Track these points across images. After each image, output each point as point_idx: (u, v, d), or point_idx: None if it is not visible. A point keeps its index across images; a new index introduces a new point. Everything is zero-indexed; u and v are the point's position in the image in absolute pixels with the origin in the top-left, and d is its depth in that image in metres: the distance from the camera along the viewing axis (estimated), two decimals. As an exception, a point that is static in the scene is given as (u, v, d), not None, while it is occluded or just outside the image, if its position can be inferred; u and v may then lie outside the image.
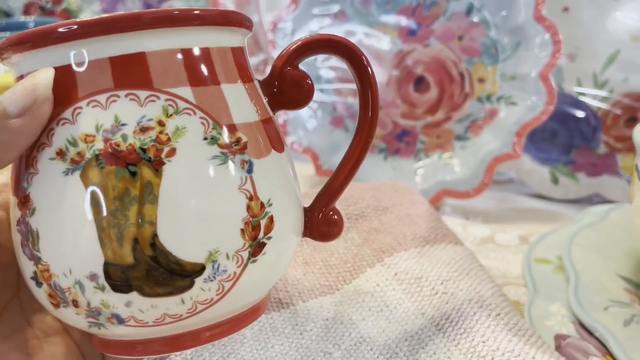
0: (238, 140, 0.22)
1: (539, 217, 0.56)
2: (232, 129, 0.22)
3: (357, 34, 0.60)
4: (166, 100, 0.21)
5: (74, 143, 0.20)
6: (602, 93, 0.57)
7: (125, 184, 0.20)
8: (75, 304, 0.21)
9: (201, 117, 0.21)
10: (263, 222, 0.22)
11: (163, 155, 0.20)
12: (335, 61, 0.61)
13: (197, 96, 0.21)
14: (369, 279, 0.36)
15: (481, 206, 0.58)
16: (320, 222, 0.27)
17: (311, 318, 0.33)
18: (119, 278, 0.20)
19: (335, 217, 0.27)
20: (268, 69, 0.27)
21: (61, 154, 0.20)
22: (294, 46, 0.25)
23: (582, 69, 0.58)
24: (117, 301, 0.21)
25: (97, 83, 0.20)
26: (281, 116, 0.63)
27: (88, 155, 0.20)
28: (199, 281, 0.21)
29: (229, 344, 0.31)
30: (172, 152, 0.21)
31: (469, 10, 0.56)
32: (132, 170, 0.20)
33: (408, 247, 0.37)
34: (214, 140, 0.21)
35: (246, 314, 0.24)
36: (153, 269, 0.21)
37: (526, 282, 0.40)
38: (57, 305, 0.22)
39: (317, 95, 0.62)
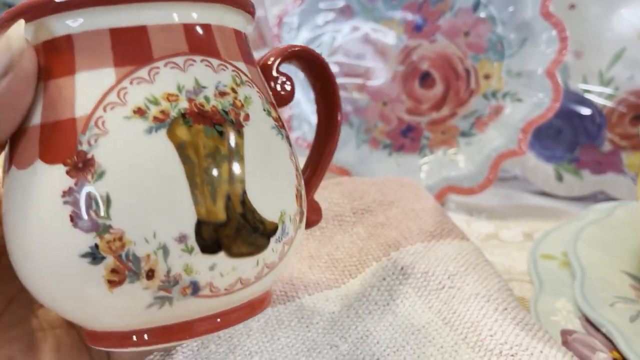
0: (280, 116, 0.24)
1: (543, 214, 0.56)
2: (273, 105, 0.24)
3: (363, 29, 0.60)
4: (232, 70, 0.22)
5: (155, 102, 0.20)
6: (608, 90, 0.57)
7: (215, 142, 0.20)
8: (150, 274, 0.19)
9: (257, 91, 0.23)
10: (302, 192, 0.24)
11: (241, 119, 0.21)
12: (341, 56, 0.61)
13: (249, 71, 0.23)
14: (375, 273, 0.36)
15: (485, 203, 0.58)
16: (308, 209, 0.28)
17: (317, 311, 0.33)
18: (209, 237, 0.20)
19: (317, 205, 0.29)
20: None
21: (140, 112, 0.20)
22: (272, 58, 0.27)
23: (588, 66, 0.58)
24: (202, 264, 0.20)
25: (174, 46, 0.21)
26: (286, 111, 0.63)
27: (173, 113, 0.20)
28: (272, 241, 0.22)
29: (235, 336, 0.31)
30: (247, 117, 0.22)
31: (476, 6, 0.56)
32: (219, 129, 0.21)
33: (414, 242, 0.37)
34: (269, 113, 0.23)
35: (257, 301, 0.24)
36: (242, 227, 0.21)
37: (532, 277, 0.40)
38: (118, 283, 0.20)
39: (322, 90, 0.62)
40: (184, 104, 0.20)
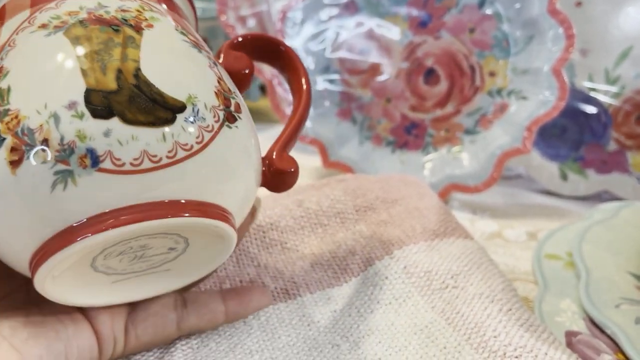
0: (204, 41, 0.27)
1: (547, 213, 0.56)
2: (195, 38, 0.27)
3: (367, 24, 0.59)
4: (142, 2, 0.25)
5: (57, 17, 0.23)
6: (614, 89, 0.57)
7: (108, 35, 0.23)
8: (46, 143, 0.20)
9: (170, 20, 0.26)
10: (233, 101, 0.25)
11: (143, 25, 0.24)
12: (344, 52, 0.61)
13: (166, 11, 0.27)
14: (378, 271, 0.35)
15: (489, 201, 0.58)
16: (276, 169, 0.28)
17: (319, 310, 0.33)
18: (100, 103, 0.21)
19: (292, 169, 0.28)
20: None
21: (43, 26, 0.23)
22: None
23: (594, 64, 0.57)
24: (95, 129, 0.20)
25: None
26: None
27: (72, 21, 0.23)
28: (180, 118, 0.22)
29: (235, 334, 0.31)
30: (150, 25, 0.24)
31: (482, 3, 0.55)
32: (115, 28, 0.23)
33: (417, 241, 0.37)
34: (184, 34, 0.26)
35: (218, 214, 0.24)
36: (136, 96, 0.21)
37: (536, 278, 0.39)
38: (18, 161, 0.20)
39: (325, 86, 0.62)
40: (83, 15, 0.23)
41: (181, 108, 0.22)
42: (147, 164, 0.21)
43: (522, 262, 0.44)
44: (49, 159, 0.20)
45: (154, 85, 0.22)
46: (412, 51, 0.58)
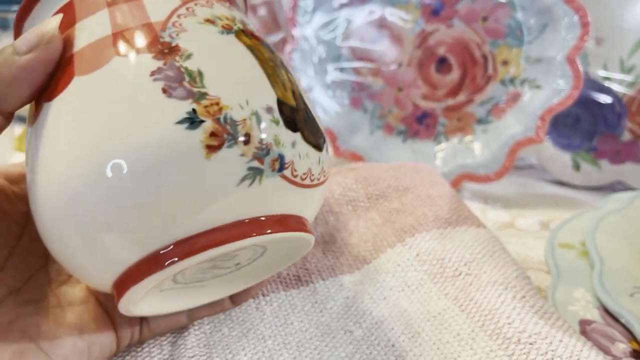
0: None
1: (560, 203, 0.55)
2: None
3: (378, 12, 0.59)
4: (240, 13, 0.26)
5: (219, 18, 0.23)
6: (629, 78, 0.56)
7: (270, 54, 0.24)
8: (247, 138, 0.20)
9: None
10: None
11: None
12: (355, 40, 0.60)
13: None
14: (390, 259, 0.35)
15: (501, 191, 0.57)
16: None
17: (331, 296, 0.33)
18: (289, 115, 0.22)
19: None
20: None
21: (210, 21, 0.23)
22: None
23: (609, 53, 0.57)
24: (287, 138, 0.22)
25: None
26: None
27: (235, 27, 0.23)
28: (323, 151, 0.24)
29: (248, 320, 0.31)
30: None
31: (495, -10, 0.55)
32: (270, 49, 0.24)
33: (430, 228, 0.37)
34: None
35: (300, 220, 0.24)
36: (308, 117, 0.24)
37: (549, 267, 0.39)
38: (217, 147, 0.20)
39: (336, 75, 0.61)
40: (240, 25, 0.24)
41: (324, 141, 0.25)
42: (307, 181, 0.23)
43: (534, 252, 0.43)
44: (248, 153, 0.20)
45: (312, 112, 0.24)
46: (424, 39, 0.58)
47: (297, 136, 0.22)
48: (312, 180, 0.23)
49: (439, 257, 0.34)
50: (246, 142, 0.20)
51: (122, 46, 0.21)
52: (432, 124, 0.59)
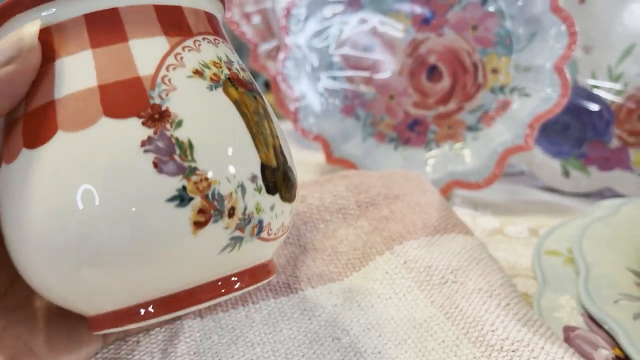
0: None
1: (549, 210, 0.56)
2: None
3: (370, 21, 0.60)
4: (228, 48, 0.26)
5: (207, 66, 0.22)
6: (617, 86, 0.57)
7: (255, 103, 0.24)
8: (232, 212, 0.21)
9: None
10: None
11: (258, 91, 0.25)
12: (348, 49, 0.61)
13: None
14: (378, 266, 0.36)
15: (491, 198, 0.58)
16: None
17: (320, 304, 0.34)
18: (270, 179, 0.23)
19: None
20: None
21: (198, 73, 0.22)
22: None
23: (597, 61, 0.58)
24: (267, 203, 0.23)
25: (203, 26, 0.24)
26: (293, 103, 0.63)
27: (222, 77, 0.23)
28: (295, 198, 0.25)
29: (237, 327, 0.31)
30: (259, 92, 0.25)
31: (485, 0, 0.55)
32: (253, 95, 0.24)
33: (418, 236, 0.37)
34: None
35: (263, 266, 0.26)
36: (286, 174, 0.24)
37: (536, 273, 0.40)
38: (204, 224, 0.20)
39: (329, 83, 0.62)
40: (226, 71, 0.23)
41: (295, 187, 0.26)
42: (279, 233, 0.24)
43: (523, 259, 0.44)
44: (231, 225, 0.21)
45: (287, 163, 0.25)
46: (415, 48, 0.59)
47: (276, 198, 0.23)
48: (283, 232, 0.25)
49: (427, 265, 0.35)
50: (231, 215, 0.21)
51: (109, 106, 0.20)
52: (423, 131, 0.60)
